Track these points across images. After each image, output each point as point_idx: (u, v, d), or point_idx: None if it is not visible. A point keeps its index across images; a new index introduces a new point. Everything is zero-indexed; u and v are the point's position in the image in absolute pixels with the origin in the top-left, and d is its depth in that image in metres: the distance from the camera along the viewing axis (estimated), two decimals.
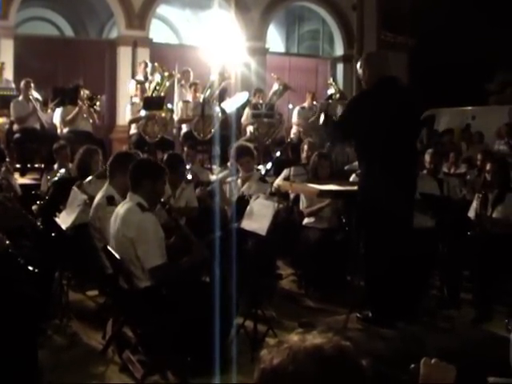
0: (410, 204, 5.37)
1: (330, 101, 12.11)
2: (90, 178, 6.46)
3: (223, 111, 11.07)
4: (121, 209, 4.71)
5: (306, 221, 7.14)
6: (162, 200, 5.07)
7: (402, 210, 5.16)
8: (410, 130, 5.33)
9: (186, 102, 11.35)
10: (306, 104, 12.53)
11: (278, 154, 8.18)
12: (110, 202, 5.20)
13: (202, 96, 11.15)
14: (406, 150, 5.22)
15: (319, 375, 1.45)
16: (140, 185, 4.68)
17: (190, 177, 7.26)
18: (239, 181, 7.14)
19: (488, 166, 6.62)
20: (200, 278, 5.64)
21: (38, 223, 5.36)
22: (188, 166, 7.69)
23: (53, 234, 5.59)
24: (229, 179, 7.26)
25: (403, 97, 5.30)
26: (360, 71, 5.35)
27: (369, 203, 5.09)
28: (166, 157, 7.03)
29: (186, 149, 8.70)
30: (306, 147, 8.58)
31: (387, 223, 5.02)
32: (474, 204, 6.49)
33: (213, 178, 8.44)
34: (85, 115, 10.42)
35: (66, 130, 10.32)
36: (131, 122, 10.96)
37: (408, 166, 5.28)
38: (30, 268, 4.48)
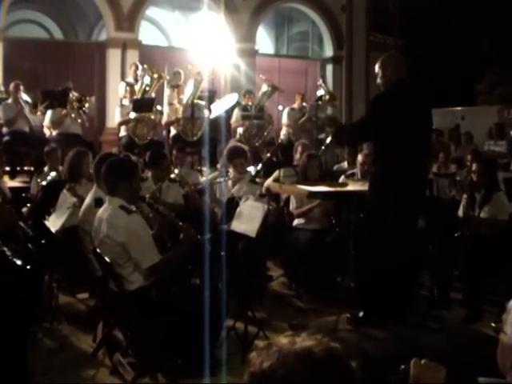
0: (420, 206, 5.43)
1: (320, 102, 12.12)
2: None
3: (213, 113, 11.03)
4: (103, 214, 4.63)
5: (296, 222, 7.13)
6: (146, 196, 5.09)
7: (413, 211, 5.24)
8: (427, 129, 5.40)
9: (174, 104, 11.33)
10: (295, 105, 12.52)
11: (268, 155, 8.17)
12: (99, 204, 5.18)
13: (185, 98, 11.11)
14: (424, 150, 5.30)
15: (309, 378, 1.45)
16: (117, 187, 4.61)
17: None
18: (230, 182, 7.12)
19: (474, 167, 6.62)
20: (190, 279, 5.64)
21: (27, 228, 5.32)
22: (176, 170, 7.70)
23: (42, 237, 5.57)
24: (219, 180, 7.25)
25: (420, 97, 5.35)
26: (378, 70, 5.31)
27: (380, 202, 5.10)
28: (147, 156, 7.02)
29: (174, 152, 8.70)
30: (299, 149, 8.55)
31: (394, 224, 5.02)
32: (462, 204, 6.52)
33: (203, 179, 8.44)
34: (73, 115, 10.39)
35: (55, 133, 10.29)
36: (121, 124, 10.93)
37: (424, 166, 5.41)
38: (20, 263, 4.43)
